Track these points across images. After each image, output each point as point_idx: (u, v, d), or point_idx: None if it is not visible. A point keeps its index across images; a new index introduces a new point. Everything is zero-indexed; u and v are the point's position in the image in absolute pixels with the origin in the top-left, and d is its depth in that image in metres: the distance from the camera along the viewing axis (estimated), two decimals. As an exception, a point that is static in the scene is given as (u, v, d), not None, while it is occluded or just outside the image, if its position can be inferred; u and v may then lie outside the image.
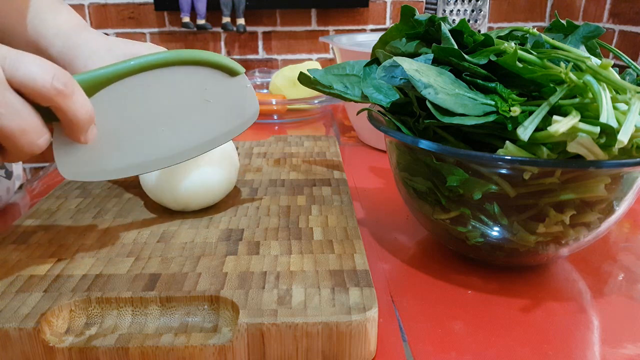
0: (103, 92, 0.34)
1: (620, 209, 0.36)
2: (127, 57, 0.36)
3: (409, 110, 0.39)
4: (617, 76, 0.33)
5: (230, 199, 0.47)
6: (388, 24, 1.62)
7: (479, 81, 0.35)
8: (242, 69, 0.40)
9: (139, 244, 0.38)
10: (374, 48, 0.43)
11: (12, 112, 0.28)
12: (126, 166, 0.37)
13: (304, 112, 0.91)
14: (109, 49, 0.44)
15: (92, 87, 0.33)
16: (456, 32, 0.38)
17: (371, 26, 1.64)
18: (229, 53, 1.66)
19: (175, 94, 0.37)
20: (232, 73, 0.39)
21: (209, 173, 0.42)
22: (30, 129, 0.29)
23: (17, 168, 0.63)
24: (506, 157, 0.32)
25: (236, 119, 0.41)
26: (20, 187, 0.63)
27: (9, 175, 0.59)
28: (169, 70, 0.37)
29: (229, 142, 0.44)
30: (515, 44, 0.35)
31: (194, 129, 0.39)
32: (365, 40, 0.83)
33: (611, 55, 0.41)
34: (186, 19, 1.50)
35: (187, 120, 0.39)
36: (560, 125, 0.29)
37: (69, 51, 0.44)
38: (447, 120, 0.32)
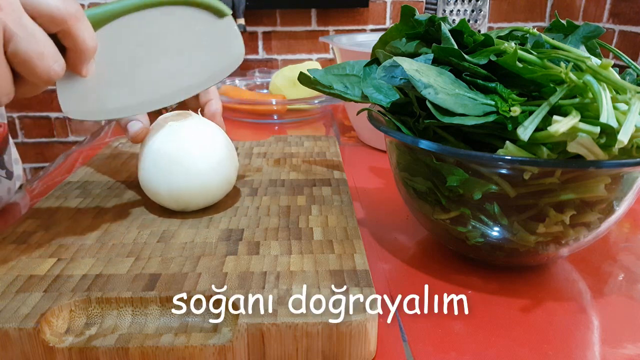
0: (102, 30, 0.36)
1: (620, 209, 0.36)
2: None
3: (409, 110, 0.39)
4: (617, 76, 0.33)
5: (230, 199, 0.47)
6: (388, 24, 1.62)
7: (479, 81, 0.35)
8: (229, 11, 0.41)
9: (139, 244, 0.38)
10: (374, 48, 0.43)
11: (29, 35, 0.29)
12: (123, 106, 0.39)
13: (304, 112, 0.91)
14: None
15: (94, 24, 0.35)
16: (456, 32, 0.38)
17: (371, 26, 1.63)
18: (229, 53, 1.65)
19: (167, 34, 0.39)
20: (219, 14, 0.41)
21: (208, 173, 0.42)
22: (47, 53, 0.30)
23: (18, 168, 0.63)
24: (506, 157, 0.32)
25: (223, 60, 0.42)
26: (20, 187, 0.63)
27: (9, 175, 0.59)
28: (161, 10, 0.38)
29: (228, 141, 0.44)
30: (515, 44, 0.35)
31: (184, 69, 0.41)
32: (365, 40, 0.83)
33: (611, 55, 0.41)
34: (186, 19, 1.49)
35: (178, 60, 0.40)
36: (560, 125, 0.29)
37: None
38: (447, 120, 0.32)
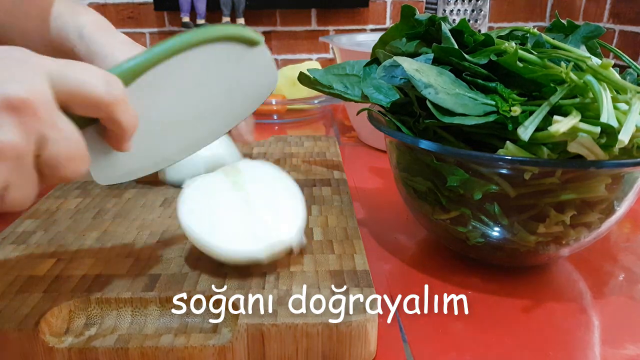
0: (132, 87, 0.32)
1: (621, 209, 0.36)
2: None
3: (409, 110, 0.39)
4: (618, 76, 0.33)
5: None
6: (388, 24, 1.62)
7: (480, 81, 0.34)
8: (261, 38, 0.38)
9: (139, 244, 0.38)
10: (374, 48, 0.43)
11: (64, 139, 0.26)
12: (157, 160, 0.36)
13: (304, 112, 0.91)
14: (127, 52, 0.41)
15: (125, 82, 0.31)
16: (456, 32, 0.38)
17: (371, 26, 1.63)
18: (229, 53, 1.66)
19: (199, 76, 0.36)
20: (252, 44, 0.38)
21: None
22: (78, 157, 0.27)
23: None
24: (506, 157, 0.32)
25: (258, 89, 0.40)
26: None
27: None
28: (191, 53, 0.35)
29: (295, 188, 0.40)
30: (515, 43, 0.35)
31: (220, 107, 0.38)
32: (365, 40, 0.83)
33: (611, 55, 0.41)
34: (186, 18, 1.50)
35: (213, 100, 0.37)
36: (561, 125, 0.29)
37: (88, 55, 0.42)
38: (447, 120, 0.32)
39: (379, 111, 0.42)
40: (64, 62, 0.27)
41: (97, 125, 0.30)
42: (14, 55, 0.26)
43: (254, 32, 0.37)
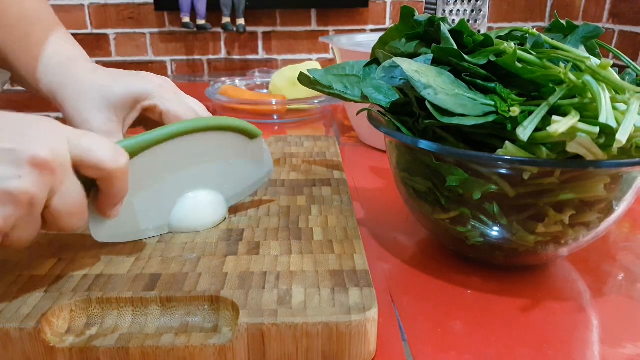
0: (138, 157, 0.37)
1: (620, 209, 0.36)
2: (125, 97, 0.42)
3: (408, 111, 0.39)
4: (617, 76, 0.33)
5: (231, 199, 0.47)
6: (388, 24, 1.63)
7: (479, 81, 0.35)
8: (259, 132, 0.43)
9: (140, 244, 0.38)
10: (374, 48, 0.44)
11: (67, 194, 0.30)
12: (156, 226, 0.40)
13: (304, 112, 0.91)
14: (100, 92, 0.43)
15: (132, 154, 0.36)
16: (456, 33, 0.38)
17: (371, 26, 1.64)
18: (229, 53, 1.66)
19: (201, 158, 0.41)
20: (251, 136, 0.43)
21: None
22: (77, 213, 0.31)
23: None
24: (505, 157, 0.32)
25: (254, 177, 0.45)
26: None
27: None
28: (196, 136, 0.40)
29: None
30: (514, 44, 0.36)
31: (218, 187, 0.42)
32: (365, 40, 0.83)
33: (611, 55, 0.41)
34: (186, 19, 1.50)
35: (213, 180, 0.42)
36: (560, 125, 0.30)
37: (58, 89, 0.44)
38: (446, 120, 0.32)
39: (378, 111, 0.42)
40: (82, 132, 0.31)
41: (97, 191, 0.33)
42: (44, 122, 0.30)
43: (253, 127, 0.43)
